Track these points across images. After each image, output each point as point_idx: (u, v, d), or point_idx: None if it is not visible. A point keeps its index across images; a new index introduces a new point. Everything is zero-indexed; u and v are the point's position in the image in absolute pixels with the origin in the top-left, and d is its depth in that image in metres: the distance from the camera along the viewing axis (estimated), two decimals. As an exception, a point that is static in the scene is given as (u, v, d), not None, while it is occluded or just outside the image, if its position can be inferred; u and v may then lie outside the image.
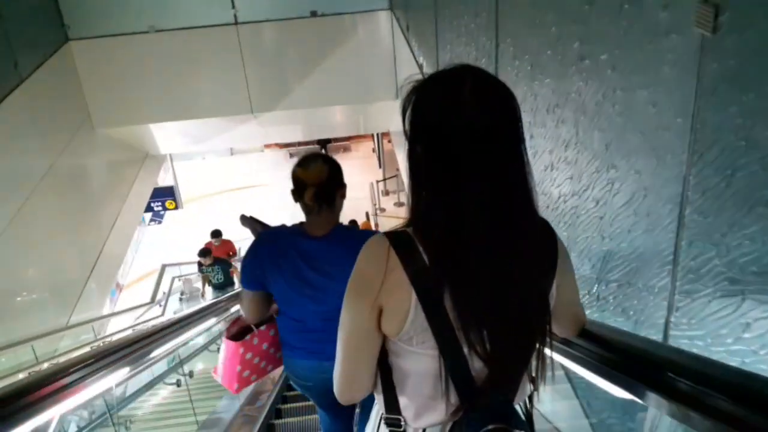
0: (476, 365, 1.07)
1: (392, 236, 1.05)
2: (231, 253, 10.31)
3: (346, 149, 20.36)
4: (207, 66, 7.33)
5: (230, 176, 19.16)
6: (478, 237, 0.99)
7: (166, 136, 8.93)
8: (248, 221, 2.40)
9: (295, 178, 2.05)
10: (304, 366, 2.18)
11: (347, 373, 1.16)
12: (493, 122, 0.97)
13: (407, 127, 1.04)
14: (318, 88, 7.43)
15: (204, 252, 8.92)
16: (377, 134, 17.69)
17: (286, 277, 2.04)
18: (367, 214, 15.44)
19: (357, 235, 2.08)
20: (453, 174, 0.97)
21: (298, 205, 2.08)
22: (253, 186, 18.35)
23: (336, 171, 2.08)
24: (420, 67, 5.27)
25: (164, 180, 18.27)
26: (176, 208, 12.89)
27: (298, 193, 2.05)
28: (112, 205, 7.71)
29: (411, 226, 1.06)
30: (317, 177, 2.02)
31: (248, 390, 4.70)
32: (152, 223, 16.85)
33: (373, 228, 14.85)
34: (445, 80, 1.00)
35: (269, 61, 7.45)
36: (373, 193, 15.61)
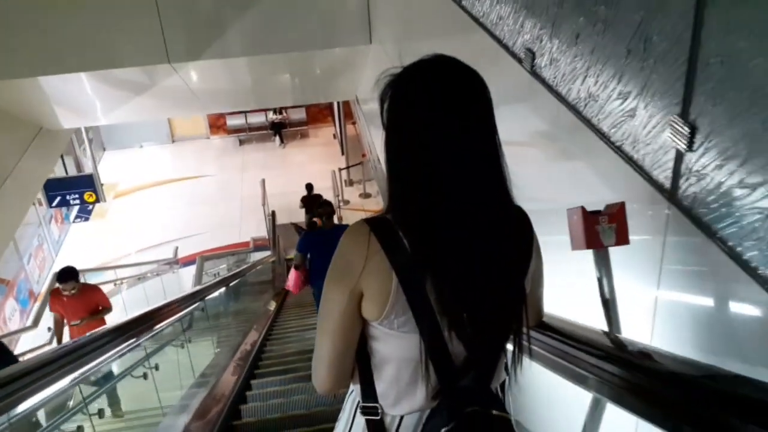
0: (456, 348, 1.09)
1: (372, 222, 1.08)
2: (101, 307, 5.52)
3: (304, 135, 18.28)
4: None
5: (171, 166, 16.96)
6: (456, 222, 1.03)
7: (65, 101, 6.77)
8: (295, 227, 8.07)
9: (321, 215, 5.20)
10: (319, 285, 4.64)
11: (328, 360, 1.16)
12: (467, 110, 1.03)
13: (385, 118, 1.08)
14: (261, 30, 5.40)
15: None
16: (339, 117, 15.70)
17: (314, 247, 5.04)
18: (328, 207, 13.45)
19: (343, 228, 2.75)
20: (429, 161, 1.02)
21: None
22: (198, 177, 16.24)
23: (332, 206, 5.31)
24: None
25: (91, 169, 16.10)
26: (97, 201, 10.64)
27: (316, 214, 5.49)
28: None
29: (390, 214, 1.09)
30: (327, 211, 5.19)
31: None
32: (78, 220, 14.58)
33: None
34: (421, 70, 1.05)
35: (191, -9, 5.41)
36: (335, 182, 13.62)
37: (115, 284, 8.03)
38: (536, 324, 1.37)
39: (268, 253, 10.65)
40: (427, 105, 1.02)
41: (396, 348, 1.12)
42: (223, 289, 4.93)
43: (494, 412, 1.09)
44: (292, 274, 5.09)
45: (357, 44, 5.63)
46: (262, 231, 12.69)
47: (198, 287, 4.32)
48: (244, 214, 14.13)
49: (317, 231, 5.45)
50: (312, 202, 12.99)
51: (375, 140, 7.22)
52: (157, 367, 3.98)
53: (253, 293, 8.70)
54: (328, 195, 13.51)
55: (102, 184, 15.51)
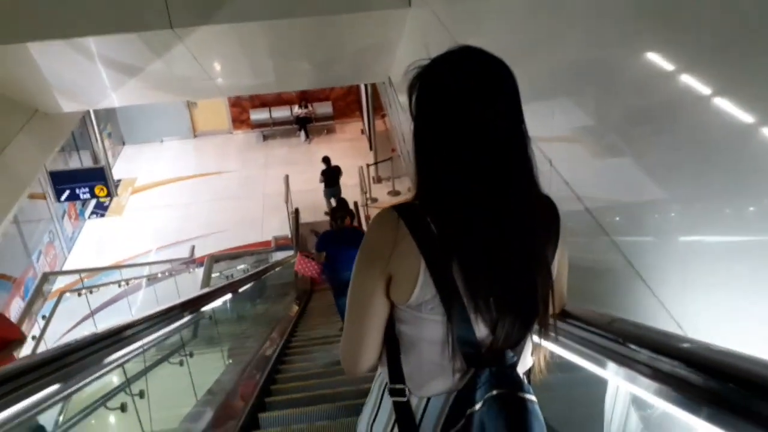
0: (482, 332, 1.12)
1: (400, 208, 1.10)
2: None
3: (330, 130, 17.45)
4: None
5: (192, 161, 16.26)
6: (483, 206, 1.06)
7: (60, 78, 5.99)
8: (314, 233, 8.33)
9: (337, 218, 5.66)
10: (335, 276, 5.41)
11: (356, 342, 1.19)
12: (494, 99, 1.05)
13: (413, 107, 1.11)
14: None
15: None
16: (367, 110, 14.81)
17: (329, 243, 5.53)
18: (355, 205, 12.57)
19: (352, 229, 5.48)
20: (457, 149, 1.06)
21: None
22: (219, 173, 15.50)
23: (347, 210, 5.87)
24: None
25: (111, 165, 15.49)
26: (108, 195, 9.90)
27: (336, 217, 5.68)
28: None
29: (417, 200, 1.12)
30: (342, 215, 5.66)
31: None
32: (93, 216, 13.96)
33: (363, 221, 12.03)
34: (449, 62, 1.08)
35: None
36: (363, 179, 12.75)
37: (119, 285, 7.24)
38: (559, 311, 1.36)
39: (290, 252, 9.82)
40: (456, 95, 1.05)
41: (423, 331, 1.14)
42: (229, 296, 4.04)
43: (520, 394, 1.11)
44: (300, 259, 5.73)
45: (393, 7, 4.73)
46: (285, 230, 11.95)
47: (192, 296, 3.43)
48: (266, 211, 13.38)
49: (333, 231, 6.01)
50: (332, 176, 12.30)
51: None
52: (141, 394, 3.15)
53: (273, 297, 7.88)
54: (355, 192, 12.77)
55: (119, 180, 15.15)
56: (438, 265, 1.06)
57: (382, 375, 1.27)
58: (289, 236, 11.29)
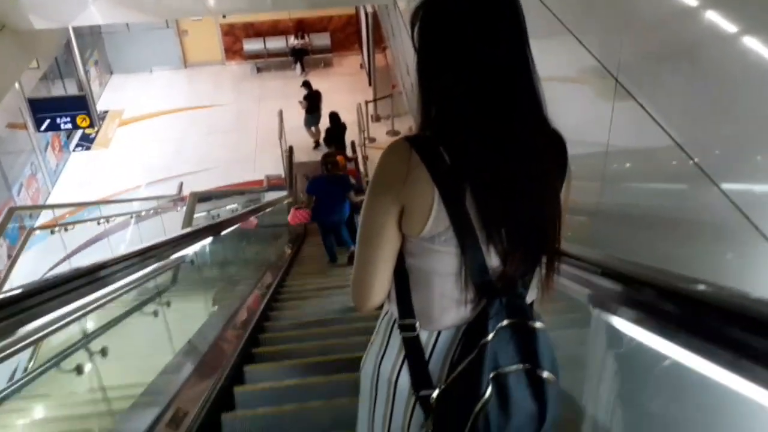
0: (494, 262, 1.13)
1: (412, 138, 1.09)
2: None
3: (328, 63, 16.60)
4: None
5: (183, 93, 15.52)
6: (493, 134, 1.05)
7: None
8: (307, 178, 7.99)
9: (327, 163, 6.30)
10: (323, 219, 6.16)
11: (366, 275, 1.18)
12: (496, 26, 1.04)
13: (416, 40, 1.11)
14: None
15: None
16: (368, 43, 14.02)
17: (319, 188, 6.14)
18: (353, 145, 12.00)
19: (342, 176, 6.29)
20: (463, 77, 1.05)
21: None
22: (211, 106, 14.83)
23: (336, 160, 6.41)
24: None
25: (98, 95, 14.78)
26: (91, 125, 9.29)
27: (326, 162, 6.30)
28: None
29: (427, 131, 1.11)
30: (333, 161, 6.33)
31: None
32: (79, 149, 13.38)
33: (360, 163, 11.50)
34: None
35: None
36: (361, 117, 12.12)
37: (98, 223, 6.78)
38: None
39: (283, 193, 9.34)
40: (457, 22, 1.05)
41: (435, 263, 1.14)
42: (210, 239, 3.59)
43: (530, 323, 1.14)
44: (293, 212, 6.14)
45: None
46: (279, 168, 11.43)
47: (168, 238, 2.97)
48: (259, 148, 12.83)
49: (323, 176, 6.23)
50: (314, 101, 12.01)
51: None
52: (104, 352, 2.75)
53: (264, 239, 7.45)
54: (353, 130, 12.18)
55: (105, 111, 14.48)
56: (452, 195, 1.06)
57: (390, 312, 1.27)
58: (283, 176, 10.78)
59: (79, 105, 9.20)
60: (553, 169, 1.15)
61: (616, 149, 2.02)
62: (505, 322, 1.11)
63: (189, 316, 3.91)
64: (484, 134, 1.05)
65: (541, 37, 2.09)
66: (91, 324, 2.54)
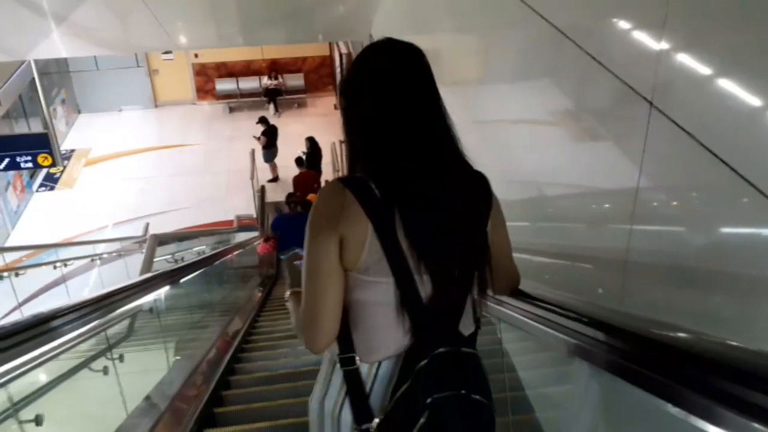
0: (427, 291, 1.21)
1: (345, 178, 1.21)
2: None
3: (302, 104, 16.49)
4: None
5: (153, 133, 15.21)
6: (416, 174, 1.17)
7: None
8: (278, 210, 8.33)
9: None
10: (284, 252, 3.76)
11: (316, 315, 1.21)
12: (410, 82, 1.20)
13: (344, 96, 1.26)
14: None
15: None
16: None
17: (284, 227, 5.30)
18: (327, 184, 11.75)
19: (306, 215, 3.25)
20: (387, 126, 1.19)
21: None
22: (182, 145, 14.51)
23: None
24: None
25: (64, 134, 14.41)
26: (53, 165, 8.92)
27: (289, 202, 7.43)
28: None
29: (358, 173, 1.22)
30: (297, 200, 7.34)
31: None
32: (42, 189, 12.92)
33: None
34: (373, 50, 1.26)
35: None
36: (335, 156, 11.97)
37: (55, 267, 6.38)
38: (513, 289, 1.50)
39: (254, 234, 9.02)
40: (378, 79, 1.21)
41: (372, 293, 1.21)
42: (166, 288, 3.28)
43: (464, 350, 1.21)
44: (261, 242, 6.19)
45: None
46: (250, 209, 11.14)
47: (119, 286, 2.67)
48: (230, 188, 12.52)
49: (288, 215, 6.50)
50: (273, 137, 12.11)
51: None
52: (38, 421, 2.40)
53: (234, 281, 7.10)
54: (327, 170, 11.99)
55: (72, 150, 14.09)
56: (384, 226, 1.14)
57: (332, 349, 1.30)
58: (254, 216, 10.47)
59: (41, 143, 8.84)
60: (477, 203, 1.27)
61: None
62: (440, 350, 1.17)
63: (146, 372, 3.57)
64: (408, 168, 1.17)
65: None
66: (21, 388, 2.22)
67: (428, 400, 1.13)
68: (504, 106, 3.36)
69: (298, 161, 11.09)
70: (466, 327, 1.29)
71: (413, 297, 1.18)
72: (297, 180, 10.77)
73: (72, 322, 2.23)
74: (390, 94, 1.18)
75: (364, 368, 1.25)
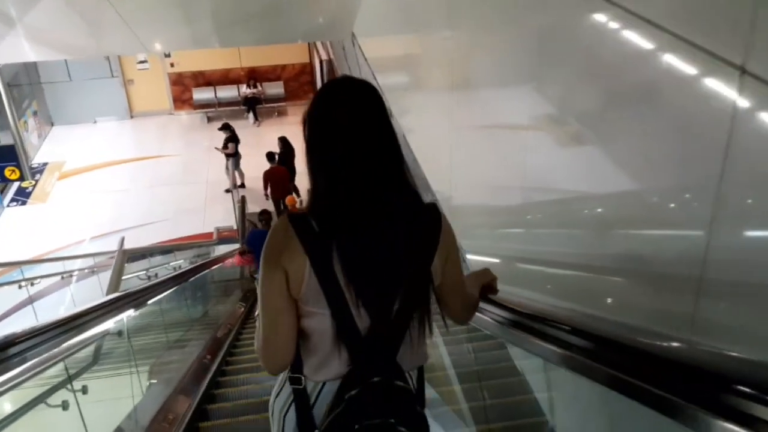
0: (364, 323, 1.27)
1: (291, 215, 1.29)
2: None
3: (282, 113, 16.17)
4: None
5: (129, 144, 14.82)
6: (358, 209, 1.23)
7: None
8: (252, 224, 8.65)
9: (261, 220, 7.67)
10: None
11: (272, 340, 1.31)
12: (364, 115, 1.26)
13: (304, 127, 1.31)
14: None
15: None
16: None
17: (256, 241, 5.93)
18: (296, 190, 11.35)
19: None
20: (336, 159, 1.24)
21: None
22: (158, 156, 14.13)
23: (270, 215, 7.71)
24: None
25: (36, 147, 13.97)
26: (22, 178, 8.55)
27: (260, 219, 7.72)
28: None
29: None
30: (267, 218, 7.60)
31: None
32: (13, 204, 12.46)
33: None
34: (329, 88, 1.36)
35: None
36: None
37: (20, 286, 6.02)
38: (471, 316, 1.61)
39: (235, 246, 8.70)
40: (332, 112, 1.26)
41: (315, 323, 1.28)
42: (131, 312, 2.98)
43: (397, 383, 1.27)
44: (237, 255, 6.48)
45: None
46: (230, 220, 10.81)
47: (78, 310, 2.39)
48: (209, 200, 12.19)
49: (261, 230, 6.67)
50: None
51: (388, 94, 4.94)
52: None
53: (212, 298, 6.78)
54: (305, 180, 11.62)
55: (44, 164, 13.64)
56: (319, 262, 1.22)
57: None
58: (235, 228, 10.15)
59: (8, 156, 8.48)
60: (421, 237, 1.30)
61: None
62: (374, 379, 1.24)
63: (113, 403, 3.27)
64: (351, 204, 1.22)
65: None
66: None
67: (356, 426, 1.20)
68: (503, 109, 3.13)
69: (269, 156, 10.67)
70: (411, 360, 1.35)
71: (349, 328, 1.26)
72: (267, 175, 10.37)
73: (24, 352, 1.97)
74: (346, 128, 1.23)
75: (310, 384, 1.34)
